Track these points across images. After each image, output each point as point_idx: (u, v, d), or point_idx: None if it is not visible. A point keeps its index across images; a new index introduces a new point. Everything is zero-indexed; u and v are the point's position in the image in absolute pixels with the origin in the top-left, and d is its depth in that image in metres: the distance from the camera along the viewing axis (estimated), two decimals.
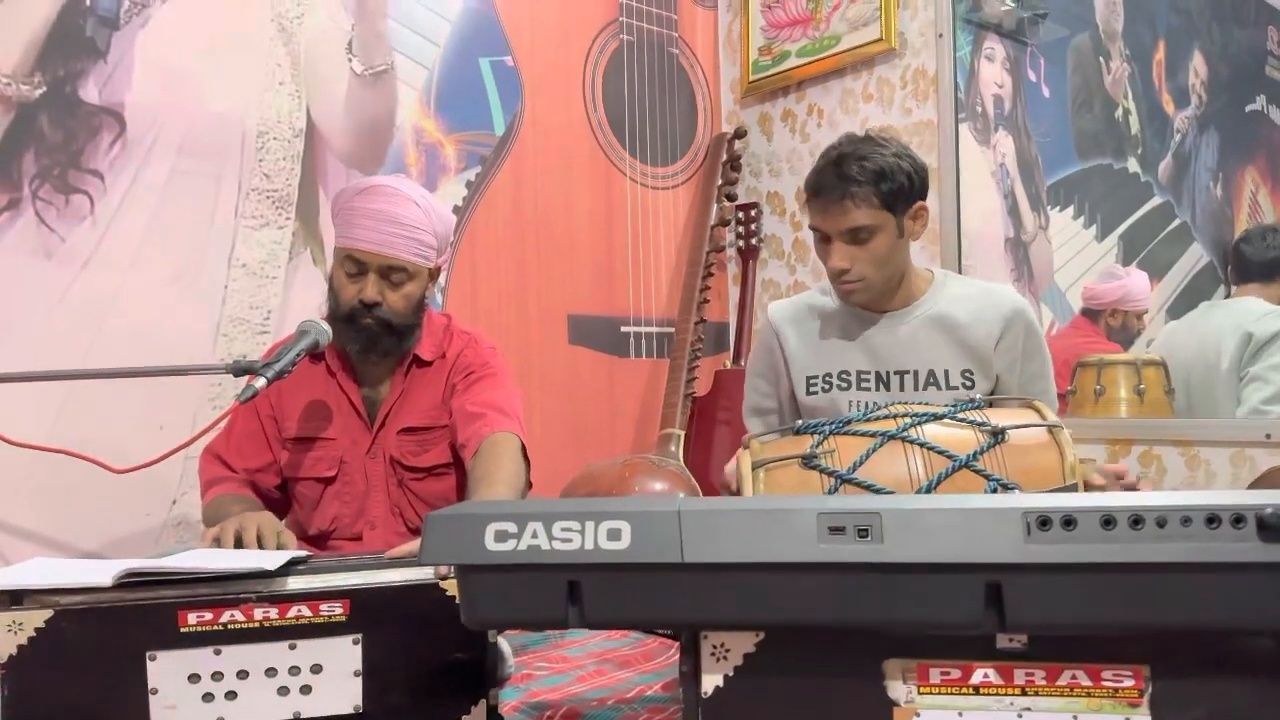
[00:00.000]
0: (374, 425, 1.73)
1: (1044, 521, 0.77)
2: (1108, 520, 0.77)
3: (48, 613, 1.00)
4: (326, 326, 1.64)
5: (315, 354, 1.68)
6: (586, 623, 0.81)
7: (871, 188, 1.59)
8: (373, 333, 1.66)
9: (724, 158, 3.14)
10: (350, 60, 2.40)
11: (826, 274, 1.71)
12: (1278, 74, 2.76)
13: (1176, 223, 2.68)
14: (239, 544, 1.38)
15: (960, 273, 2.54)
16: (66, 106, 1.97)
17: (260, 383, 1.45)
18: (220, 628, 1.04)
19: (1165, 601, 0.76)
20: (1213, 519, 0.76)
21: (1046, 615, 0.78)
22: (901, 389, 1.68)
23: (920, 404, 1.62)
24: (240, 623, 1.04)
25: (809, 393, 1.74)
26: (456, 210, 2.59)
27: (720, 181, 3.12)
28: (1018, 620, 0.78)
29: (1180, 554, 0.76)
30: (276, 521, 1.46)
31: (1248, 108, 2.74)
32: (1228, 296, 2.56)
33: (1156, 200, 2.68)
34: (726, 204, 3.11)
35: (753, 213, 3.11)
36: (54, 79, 1.95)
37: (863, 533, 0.78)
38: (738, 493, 1.29)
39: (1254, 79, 2.73)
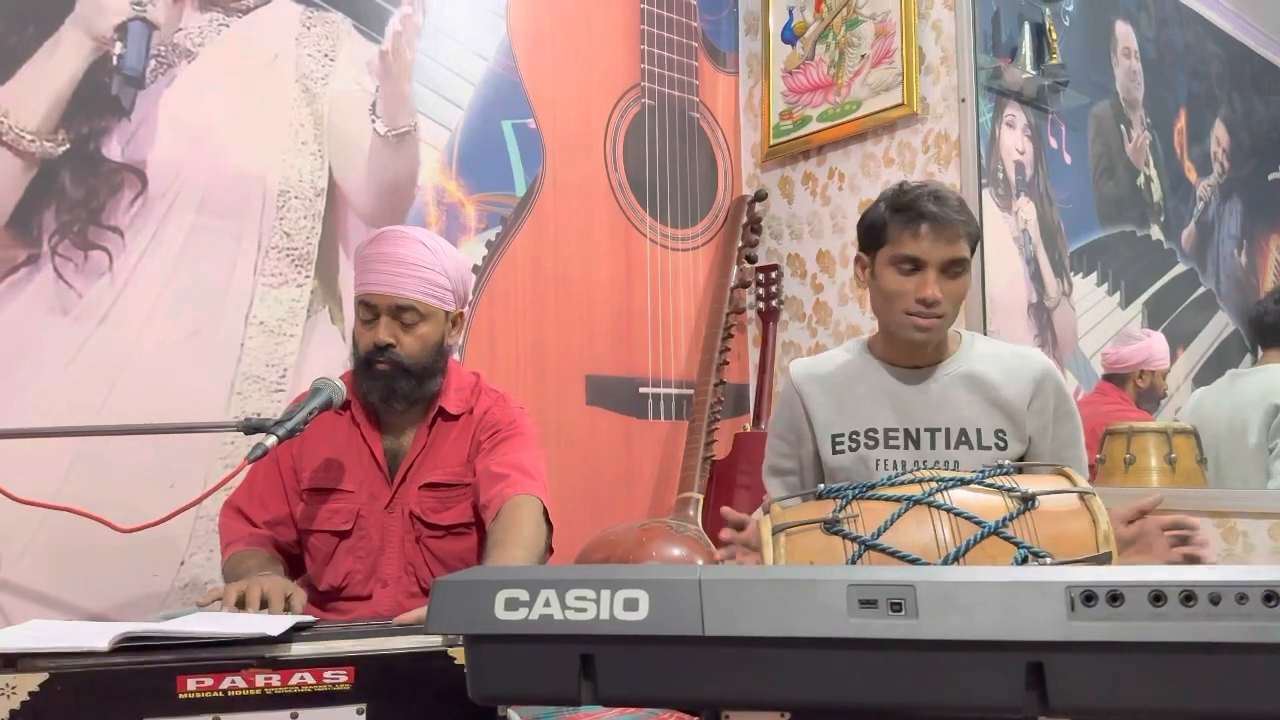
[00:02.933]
0: (395, 479, 1.70)
1: (1089, 597, 0.72)
2: (1157, 596, 0.72)
3: (42, 676, 0.96)
4: (340, 384, 1.63)
5: (340, 407, 1.67)
6: (600, 700, 0.76)
7: (970, 225, 1.61)
8: (389, 377, 1.65)
9: (744, 220, 3.13)
10: (374, 121, 2.41)
11: (892, 308, 1.64)
12: None
13: (1201, 290, 2.65)
14: (243, 608, 1.34)
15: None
16: (89, 163, 1.98)
17: (271, 441, 1.43)
18: (220, 694, 0.99)
19: (1219, 685, 0.71)
20: (1270, 596, 0.71)
21: (1091, 698, 0.73)
22: (932, 447, 1.63)
23: (949, 466, 1.58)
24: (241, 689, 1.00)
25: (835, 452, 1.70)
26: (476, 270, 2.59)
27: (740, 243, 3.11)
28: (1061, 703, 0.73)
29: (1235, 634, 0.71)
30: (286, 583, 1.43)
31: (1270, 176, 2.72)
32: (1254, 364, 2.51)
33: (1180, 268, 2.65)
34: (747, 266, 3.09)
35: (773, 275, 3.10)
36: (77, 136, 1.97)
37: (896, 606, 0.73)
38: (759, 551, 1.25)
39: (1277, 147, 2.71)
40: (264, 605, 1.36)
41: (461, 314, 1.78)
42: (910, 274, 1.61)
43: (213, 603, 1.42)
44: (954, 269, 1.60)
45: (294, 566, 1.73)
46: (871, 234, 1.67)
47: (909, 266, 1.61)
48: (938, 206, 1.58)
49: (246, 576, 1.50)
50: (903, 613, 0.73)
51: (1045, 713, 0.73)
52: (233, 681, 1.00)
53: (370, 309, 1.66)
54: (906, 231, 1.60)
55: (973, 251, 1.64)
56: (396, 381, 1.65)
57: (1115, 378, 2.60)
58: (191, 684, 0.99)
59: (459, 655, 1.03)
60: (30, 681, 0.96)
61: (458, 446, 1.72)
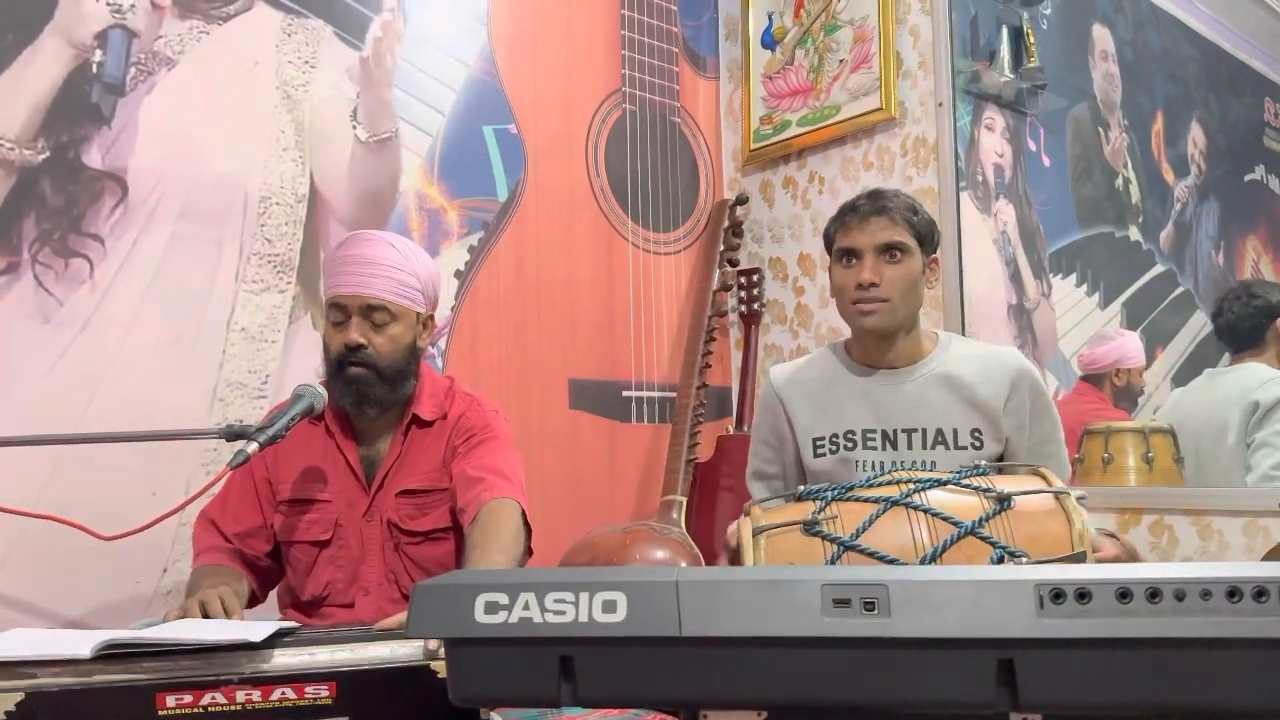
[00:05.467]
0: (371, 487, 1.70)
1: (1057, 594, 0.74)
2: (1124, 593, 0.73)
3: (19, 695, 0.95)
4: (322, 391, 1.63)
5: (315, 416, 1.66)
6: (579, 701, 0.77)
7: (909, 213, 1.67)
8: (362, 380, 1.64)
9: (726, 224, 3.15)
10: (355, 127, 2.41)
11: (843, 304, 1.71)
12: (1275, 144, 2.77)
13: (1179, 290, 2.67)
14: (205, 616, 1.35)
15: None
16: (69, 171, 1.97)
17: (252, 448, 1.43)
18: (200, 710, 0.98)
19: (1185, 680, 0.73)
20: (1234, 592, 0.72)
21: (1061, 693, 0.74)
22: (909, 448, 1.65)
23: (926, 466, 1.60)
24: (221, 705, 0.99)
25: (816, 455, 1.72)
26: (459, 274, 2.59)
27: (722, 247, 3.12)
28: (1031, 699, 0.74)
29: (1200, 629, 0.72)
30: (236, 593, 1.44)
31: (1247, 177, 2.75)
32: (1231, 363, 2.54)
33: (1159, 268, 2.67)
34: (728, 269, 3.11)
35: (755, 278, 3.11)
36: (57, 144, 1.96)
37: (869, 605, 0.75)
38: (737, 554, 1.26)
39: (1252, 149, 2.74)
40: (226, 613, 1.37)
41: (432, 317, 1.78)
42: (851, 266, 1.68)
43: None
44: (891, 253, 1.65)
45: (264, 578, 1.73)
46: (826, 242, 1.77)
47: (849, 259, 1.69)
48: (869, 200, 1.68)
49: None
50: (876, 612, 0.74)
51: (1016, 708, 0.75)
52: (213, 698, 0.99)
53: (341, 310, 1.65)
54: (841, 228, 1.70)
55: (924, 243, 1.69)
56: (369, 386, 1.65)
57: (1092, 378, 2.63)
58: (171, 700, 0.98)
59: (441, 669, 1.02)
60: (7, 701, 0.95)
61: (433, 452, 1.72)
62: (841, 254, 1.70)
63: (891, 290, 1.64)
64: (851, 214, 1.69)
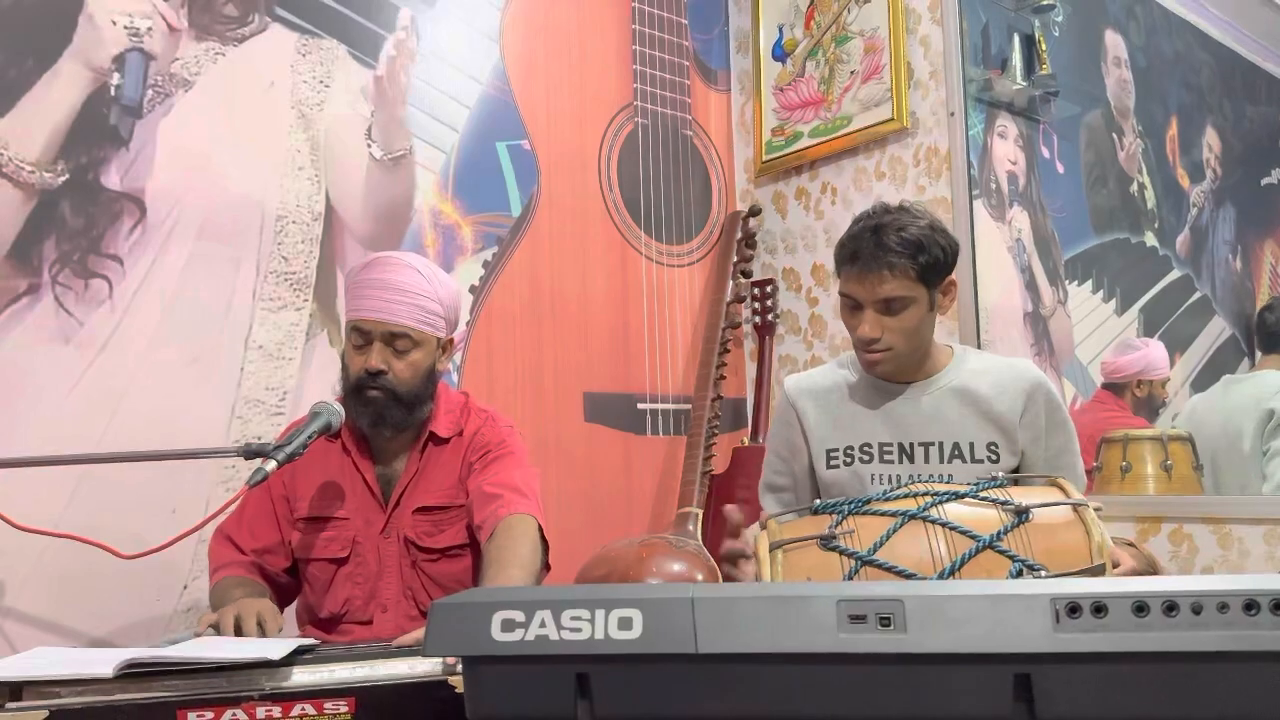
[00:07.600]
0: (388, 504, 1.70)
1: (1073, 608, 0.73)
2: (1140, 607, 0.73)
3: (43, 713, 0.97)
4: (339, 408, 1.64)
5: (332, 433, 1.66)
6: (596, 718, 0.77)
7: (909, 260, 1.57)
8: (380, 404, 1.65)
9: (739, 235, 3.15)
10: (370, 146, 2.43)
11: (851, 342, 1.67)
12: None
13: (1197, 296, 2.66)
14: (239, 631, 1.35)
15: (980, 348, 2.52)
16: (88, 193, 2.00)
17: (270, 466, 1.44)
18: None
19: (1202, 694, 0.72)
20: (1250, 605, 0.72)
21: (1079, 708, 0.74)
22: (926, 461, 1.64)
23: (943, 480, 1.59)
24: None
25: (829, 466, 1.71)
26: (473, 290, 2.60)
27: (736, 258, 3.13)
28: (1049, 713, 0.74)
29: (1217, 643, 0.72)
30: (274, 608, 1.44)
31: (1263, 181, 2.73)
32: (1251, 369, 2.52)
33: (1176, 274, 2.66)
34: (742, 280, 3.11)
35: (768, 289, 3.11)
36: (76, 166, 1.98)
37: (885, 621, 0.75)
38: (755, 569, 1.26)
39: (1268, 153, 2.73)
40: (261, 630, 1.37)
41: (452, 340, 1.78)
42: (854, 311, 1.63)
43: (208, 629, 1.43)
44: (892, 306, 1.59)
45: (281, 594, 1.74)
46: (835, 262, 1.68)
47: (851, 303, 1.63)
48: (872, 246, 1.57)
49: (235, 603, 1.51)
50: (892, 627, 0.74)
51: None
52: (233, 714, 1.00)
53: (363, 334, 1.66)
54: (843, 270, 1.63)
55: (932, 279, 1.61)
56: (387, 409, 1.65)
57: (1113, 386, 2.61)
58: (192, 717, 0.99)
59: (459, 684, 1.04)
60: (32, 718, 0.96)
61: (449, 469, 1.72)
62: (843, 297, 1.64)
63: (895, 340, 1.61)
64: (851, 263, 1.60)
